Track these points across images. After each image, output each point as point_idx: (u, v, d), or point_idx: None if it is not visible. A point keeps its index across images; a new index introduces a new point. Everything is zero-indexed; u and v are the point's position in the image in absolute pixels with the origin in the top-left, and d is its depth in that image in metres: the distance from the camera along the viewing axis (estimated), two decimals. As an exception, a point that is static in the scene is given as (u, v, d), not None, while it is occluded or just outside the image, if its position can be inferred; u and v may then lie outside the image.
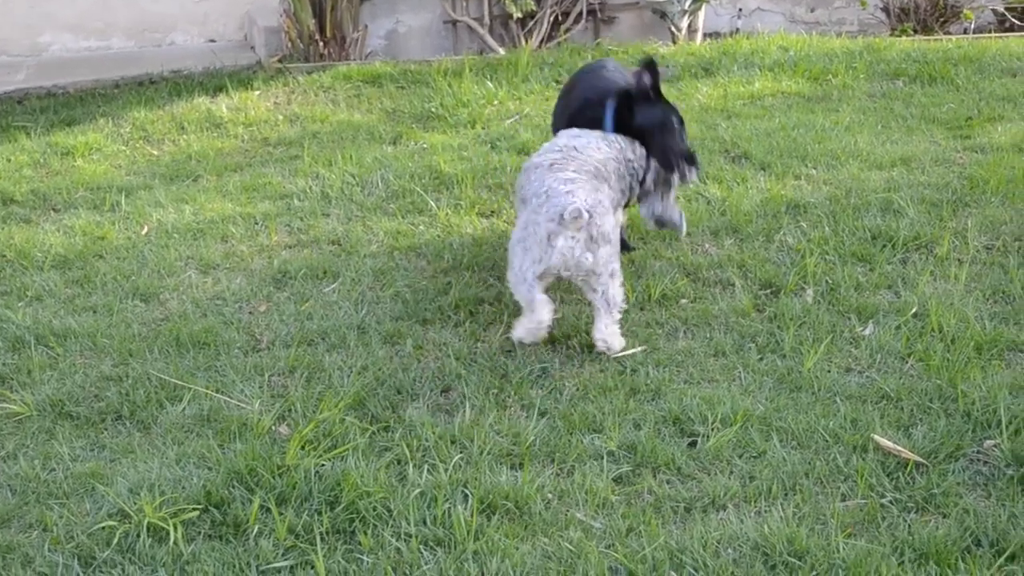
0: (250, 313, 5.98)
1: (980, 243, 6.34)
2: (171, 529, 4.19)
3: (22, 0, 11.43)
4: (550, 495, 4.41)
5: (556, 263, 5.29)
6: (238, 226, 7.01)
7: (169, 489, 4.42)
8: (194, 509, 4.31)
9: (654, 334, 5.56)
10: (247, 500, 4.35)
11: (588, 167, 5.61)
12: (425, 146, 8.38)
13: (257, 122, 9.08)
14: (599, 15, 11.89)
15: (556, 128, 6.31)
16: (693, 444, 4.70)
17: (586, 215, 5.21)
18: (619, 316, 5.43)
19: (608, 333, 5.39)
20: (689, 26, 11.62)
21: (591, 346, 5.43)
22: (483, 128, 8.74)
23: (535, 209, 5.37)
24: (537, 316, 5.36)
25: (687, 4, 11.46)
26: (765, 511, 4.29)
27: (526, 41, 11.08)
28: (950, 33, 11.56)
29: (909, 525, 4.17)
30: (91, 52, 11.61)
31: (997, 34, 11.48)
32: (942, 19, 11.72)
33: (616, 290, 5.42)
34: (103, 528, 4.24)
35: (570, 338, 5.53)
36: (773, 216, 6.76)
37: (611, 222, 5.44)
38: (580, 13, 11.58)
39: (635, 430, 4.76)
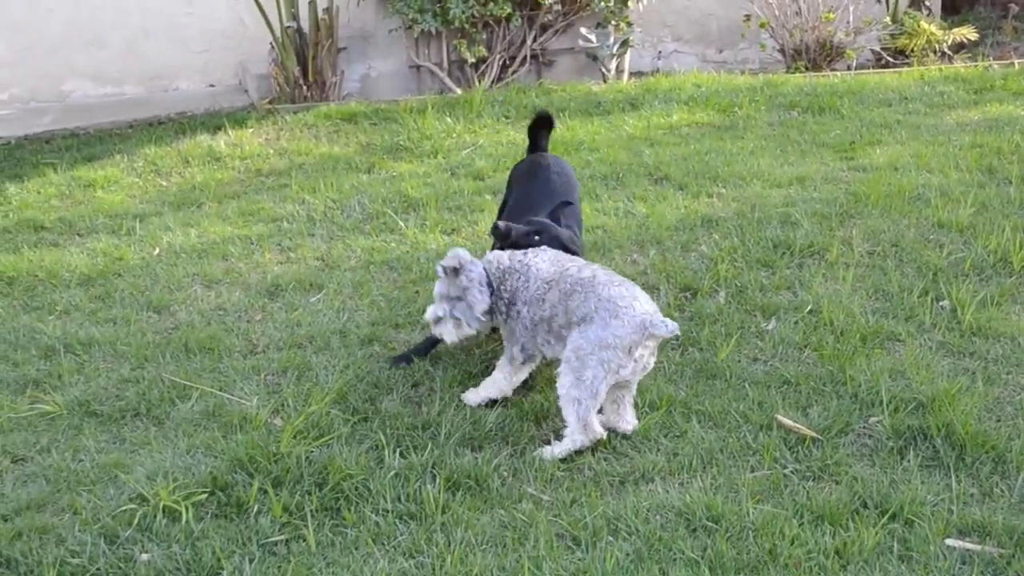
0: (247, 322, 5.94)
1: (863, 249, 6.38)
2: (183, 510, 4.16)
3: (48, 52, 11.32)
4: (505, 473, 4.41)
5: (629, 373, 4.54)
6: (236, 246, 6.96)
7: (181, 476, 4.39)
8: (202, 492, 4.28)
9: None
10: (247, 484, 4.32)
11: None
12: (395, 174, 8.34)
13: (251, 156, 9.01)
14: (540, 59, 11.85)
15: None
16: (626, 426, 4.72)
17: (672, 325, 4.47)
18: None
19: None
20: (617, 67, 11.63)
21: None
22: (444, 158, 8.71)
23: (606, 322, 4.46)
24: (597, 431, 4.54)
25: (615, 48, 11.46)
26: (687, 482, 4.31)
27: (479, 82, 11.05)
28: (836, 70, 11.61)
29: (807, 492, 4.20)
30: (108, 98, 11.48)
31: (875, 70, 11.56)
32: (829, 58, 11.77)
33: None
34: (124, 511, 4.21)
35: (520, 337, 5.51)
36: (690, 229, 6.78)
37: None
38: (524, 57, 11.55)
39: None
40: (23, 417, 4.99)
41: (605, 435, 4.55)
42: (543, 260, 4.81)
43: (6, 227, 7.55)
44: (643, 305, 4.52)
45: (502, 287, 4.80)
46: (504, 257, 4.87)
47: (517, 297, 4.77)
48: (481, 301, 4.78)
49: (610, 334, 4.44)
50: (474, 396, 4.93)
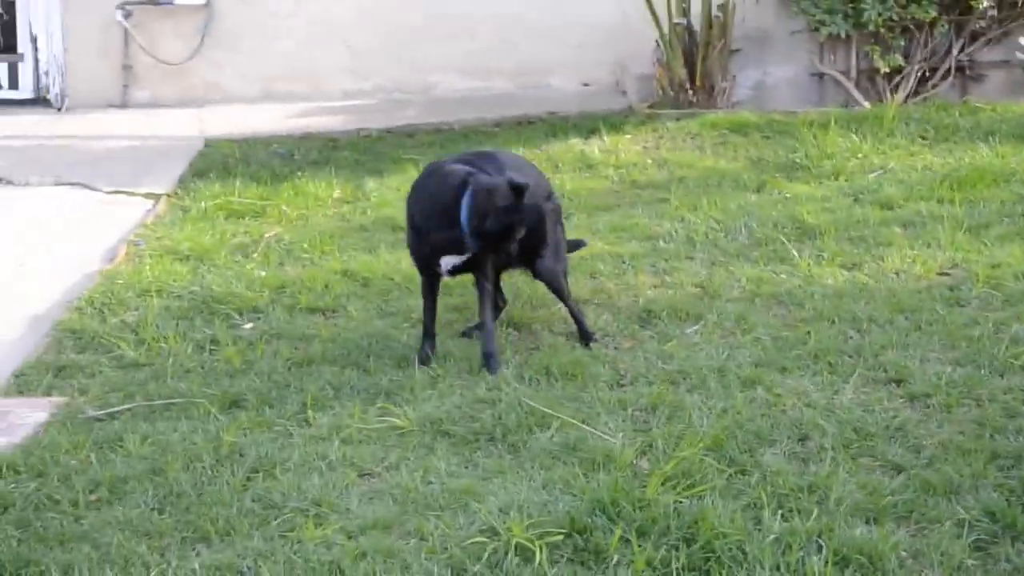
0: (615, 348, 6.05)
1: None
2: (537, 550, 4.24)
3: (416, 44, 11.89)
4: (904, 553, 4.28)
5: None
6: (606, 264, 7.10)
7: (535, 512, 4.48)
8: (558, 533, 4.34)
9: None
10: (608, 529, 4.36)
11: None
12: (788, 196, 8.28)
13: (627, 164, 9.16)
14: (967, 72, 11.49)
15: None
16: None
17: None
18: None
19: None
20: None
21: (948, 405, 5.26)
22: (846, 180, 8.58)
23: None
24: None
25: (1067, 62, 10.95)
26: None
27: (892, 95, 10.82)
28: None
29: None
30: (473, 92, 11.94)
31: None
32: None
33: None
34: (474, 543, 4.33)
35: (930, 396, 5.36)
36: None
37: None
38: (948, 70, 11.21)
39: (996, 495, 4.55)
40: (372, 429, 5.26)
41: None
42: None
43: (363, 225, 8.00)
44: None
45: None
46: None
47: None
48: None
49: None
50: None
